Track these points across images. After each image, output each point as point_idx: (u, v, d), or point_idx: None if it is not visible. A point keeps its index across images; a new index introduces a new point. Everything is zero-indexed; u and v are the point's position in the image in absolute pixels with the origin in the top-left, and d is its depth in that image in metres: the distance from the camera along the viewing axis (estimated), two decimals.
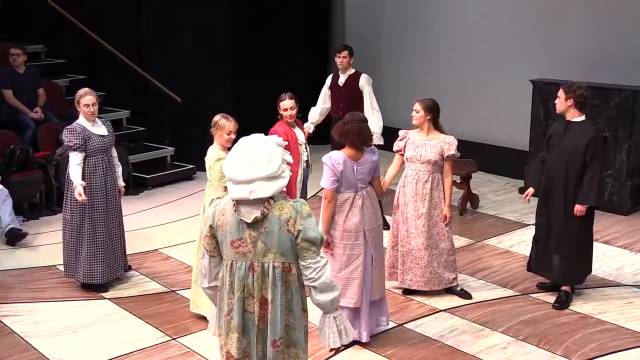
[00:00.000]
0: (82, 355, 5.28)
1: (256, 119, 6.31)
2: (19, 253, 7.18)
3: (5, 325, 5.75)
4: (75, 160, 5.96)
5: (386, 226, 7.77)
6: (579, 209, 5.76)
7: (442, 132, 5.94)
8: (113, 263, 6.26)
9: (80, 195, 5.91)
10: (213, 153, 5.48)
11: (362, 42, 11.07)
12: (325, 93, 7.74)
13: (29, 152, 8.15)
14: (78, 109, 6.09)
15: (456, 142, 5.88)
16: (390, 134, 8.91)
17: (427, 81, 9.89)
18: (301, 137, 6.49)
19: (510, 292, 6.27)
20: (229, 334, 3.62)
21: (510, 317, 5.80)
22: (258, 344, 3.62)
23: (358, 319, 5.33)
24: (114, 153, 6.32)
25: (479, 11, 9.76)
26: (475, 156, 8.82)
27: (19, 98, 8.71)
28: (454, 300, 6.09)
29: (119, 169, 6.38)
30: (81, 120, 6.07)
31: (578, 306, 5.95)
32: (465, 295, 6.11)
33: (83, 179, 5.98)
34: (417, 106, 5.92)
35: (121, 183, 6.41)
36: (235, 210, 3.49)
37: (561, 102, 5.82)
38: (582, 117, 5.82)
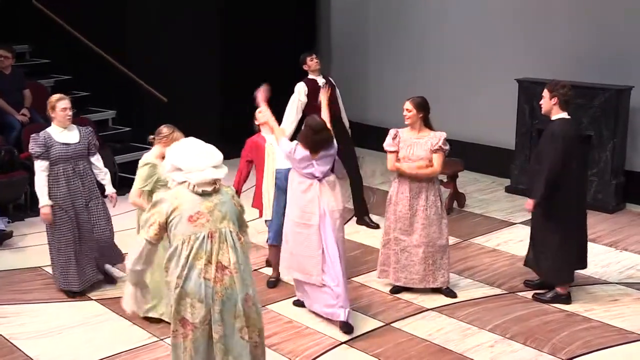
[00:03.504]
0: (68, 356, 5.26)
1: (240, 120, 6.32)
2: (4, 254, 7.13)
3: None
4: (38, 168, 5.93)
5: (374, 224, 7.83)
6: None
7: (432, 129, 5.97)
8: (88, 270, 6.15)
9: (45, 215, 5.90)
10: (149, 158, 5.62)
11: (348, 42, 11.11)
12: (300, 103, 7.43)
13: (14, 153, 8.09)
14: (52, 115, 5.99)
15: (444, 136, 5.92)
16: (375, 133, 8.98)
17: (413, 81, 9.90)
18: (271, 140, 6.21)
19: (497, 291, 6.30)
20: (183, 303, 4.00)
21: (497, 316, 5.82)
22: (215, 305, 3.99)
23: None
24: (97, 160, 6.21)
25: (465, 11, 9.78)
26: (462, 155, 8.83)
27: (5, 99, 8.64)
28: (441, 299, 6.10)
29: (107, 176, 6.27)
30: (51, 128, 5.99)
31: (564, 304, 5.98)
32: (451, 294, 6.13)
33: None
34: (409, 105, 5.94)
35: (110, 190, 6.29)
36: (194, 189, 4.06)
37: (546, 102, 5.82)
38: (561, 115, 5.78)
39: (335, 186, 5.66)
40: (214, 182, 4.13)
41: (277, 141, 5.85)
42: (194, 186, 4.08)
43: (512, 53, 9.28)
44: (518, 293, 6.23)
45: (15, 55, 8.87)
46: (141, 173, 5.60)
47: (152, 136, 5.71)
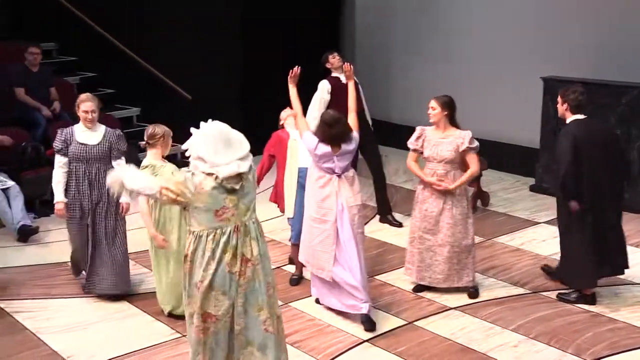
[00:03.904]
0: (92, 351, 5.31)
1: (262, 117, 6.33)
2: (30, 250, 7.21)
3: (17, 321, 5.78)
4: (56, 163, 5.92)
5: (396, 222, 7.80)
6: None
7: (458, 128, 5.93)
8: (93, 277, 6.04)
9: (60, 211, 5.89)
10: (146, 161, 5.69)
11: (372, 40, 11.09)
12: (323, 101, 7.45)
13: (40, 149, 8.18)
14: (78, 113, 6.00)
15: (470, 135, 5.87)
16: (399, 131, 8.95)
17: (437, 79, 9.86)
18: (294, 136, 6.21)
19: (521, 290, 6.26)
20: (208, 297, 4.01)
21: (521, 315, 5.78)
22: (239, 298, 4.05)
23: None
24: (118, 165, 5.92)
25: (491, 8, 9.72)
26: (486, 154, 8.76)
27: (32, 96, 8.74)
28: (464, 298, 6.07)
29: None
30: (77, 126, 5.99)
31: (589, 305, 5.93)
32: (474, 294, 6.09)
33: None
34: (434, 103, 5.91)
35: (125, 199, 5.84)
36: (221, 183, 3.97)
37: (559, 107, 5.90)
38: (574, 117, 5.79)
39: (354, 181, 5.65)
40: (240, 176, 4.05)
41: (300, 134, 5.80)
42: (222, 180, 4.00)
43: (538, 51, 9.20)
44: (542, 293, 6.18)
45: (42, 53, 8.96)
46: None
47: (144, 142, 5.75)
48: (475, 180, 8.40)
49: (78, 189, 5.92)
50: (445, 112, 5.88)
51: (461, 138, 5.86)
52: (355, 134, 5.63)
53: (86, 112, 5.93)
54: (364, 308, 5.50)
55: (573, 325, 5.61)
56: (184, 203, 4.02)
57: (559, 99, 5.86)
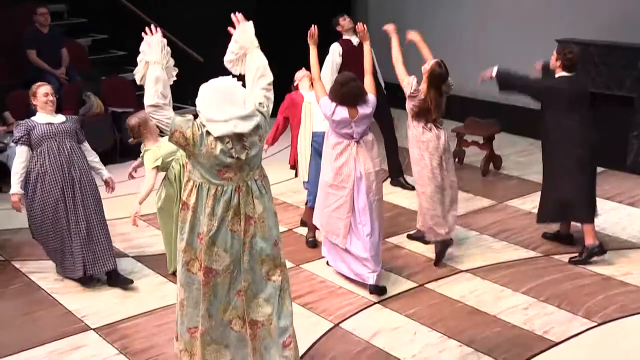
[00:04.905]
0: (106, 311, 5.38)
1: (277, 81, 6.28)
2: None
3: (32, 281, 5.86)
4: (17, 154, 5.66)
5: (409, 185, 7.80)
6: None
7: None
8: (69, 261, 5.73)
9: (15, 203, 5.60)
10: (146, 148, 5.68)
11: (385, 2, 10.96)
12: (335, 64, 7.38)
13: None
14: (34, 103, 5.75)
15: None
16: None
17: (450, 41, 9.74)
18: (309, 98, 6.17)
19: (532, 254, 6.26)
20: (210, 252, 3.95)
21: (532, 278, 5.79)
22: (245, 256, 4.00)
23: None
24: (87, 149, 5.85)
25: None
26: (499, 117, 8.73)
27: (43, 58, 8.74)
28: (476, 261, 6.09)
29: (95, 159, 5.90)
30: (36, 115, 5.73)
31: (600, 267, 5.93)
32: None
33: (34, 168, 5.60)
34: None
35: (105, 174, 5.89)
36: (227, 143, 3.83)
37: (552, 61, 6.05)
38: (562, 74, 5.97)
39: (374, 146, 5.59)
40: (240, 137, 3.86)
41: (317, 99, 5.68)
42: (232, 147, 3.85)
43: (553, 13, 9.07)
44: (553, 256, 6.19)
45: (52, 14, 8.93)
46: (147, 157, 5.61)
47: (131, 139, 5.76)
48: (488, 143, 8.39)
49: (53, 167, 5.60)
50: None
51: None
52: (371, 96, 5.54)
53: (46, 94, 5.69)
54: (371, 278, 5.50)
55: (584, 288, 5.63)
56: (190, 152, 3.90)
57: (555, 54, 6.01)
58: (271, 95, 4.12)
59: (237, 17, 4.26)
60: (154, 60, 4.02)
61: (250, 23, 4.25)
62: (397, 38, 6.15)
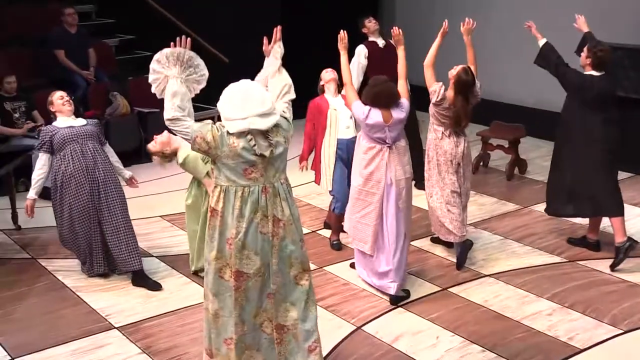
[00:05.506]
0: (130, 311, 5.41)
1: (299, 82, 6.28)
2: None
3: (58, 279, 5.91)
4: (38, 161, 5.74)
5: (420, 184, 7.73)
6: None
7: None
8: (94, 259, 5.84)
9: (27, 209, 5.70)
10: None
11: (412, 5, 10.94)
12: (361, 66, 7.33)
13: (80, 111, 8.26)
14: (53, 111, 5.82)
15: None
16: None
17: (478, 43, 9.68)
18: (334, 104, 6.13)
19: (557, 259, 6.21)
20: (240, 255, 3.97)
21: (556, 284, 5.74)
22: (273, 258, 4.03)
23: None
24: (109, 150, 5.92)
25: None
26: (524, 121, 8.66)
27: (71, 58, 8.82)
28: (499, 266, 6.05)
29: (115, 158, 5.96)
30: (57, 121, 5.81)
31: (626, 274, 5.86)
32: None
33: (58, 171, 5.66)
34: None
35: (127, 174, 6.01)
36: (250, 141, 3.87)
37: (582, 58, 6.09)
38: (591, 72, 5.99)
39: (406, 152, 5.46)
40: (264, 134, 3.89)
41: (349, 104, 5.58)
42: (254, 144, 3.87)
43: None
44: (578, 262, 6.13)
45: (80, 15, 9.01)
46: (190, 160, 5.51)
47: (158, 160, 5.72)
48: (513, 148, 8.33)
49: (78, 170, 5.62)
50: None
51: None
52: (405, 100, 5.44)
53: (61, 97, 5.78)
54: (392, 288, 5.44)
55: (610, 295, 5.56)
56: (214, 155, 3.94)
57: (586, 51, 6.04)
58: (290, 114, 4.18)
59: (278, 31, 4.44)
60: (172, 74, 4.12)
61: (281, 44, 4.46)
62: (441, 41, 6.11)
